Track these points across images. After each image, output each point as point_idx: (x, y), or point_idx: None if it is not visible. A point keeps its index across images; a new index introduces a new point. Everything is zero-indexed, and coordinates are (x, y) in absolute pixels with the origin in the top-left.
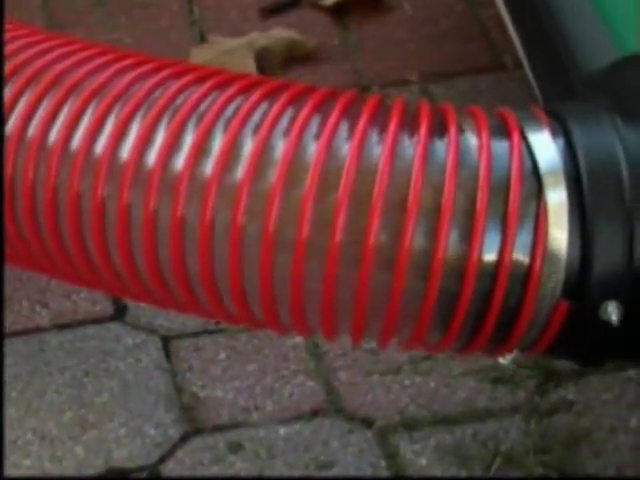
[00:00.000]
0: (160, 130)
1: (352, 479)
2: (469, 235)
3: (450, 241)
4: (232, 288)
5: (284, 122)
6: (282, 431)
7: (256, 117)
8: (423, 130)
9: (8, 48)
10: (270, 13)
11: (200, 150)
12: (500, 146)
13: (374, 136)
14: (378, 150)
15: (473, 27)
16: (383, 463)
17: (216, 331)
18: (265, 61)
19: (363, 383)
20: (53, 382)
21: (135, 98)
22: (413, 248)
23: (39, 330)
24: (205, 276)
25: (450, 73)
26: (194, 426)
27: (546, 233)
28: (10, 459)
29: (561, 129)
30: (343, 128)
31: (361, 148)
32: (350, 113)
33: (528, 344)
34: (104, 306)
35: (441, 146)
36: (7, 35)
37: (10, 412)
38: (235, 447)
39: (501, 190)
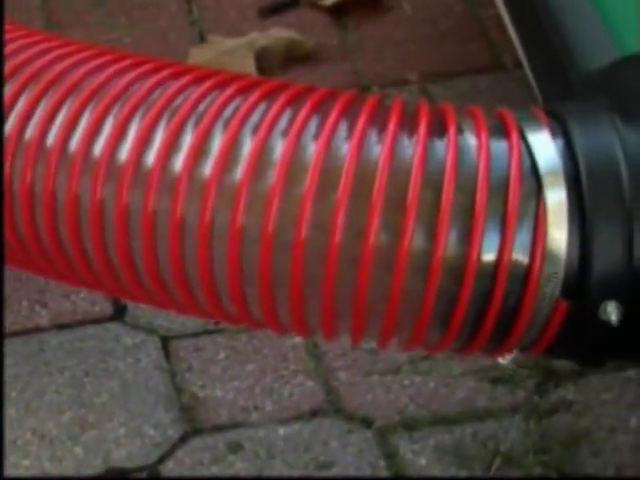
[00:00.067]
0: (159, 131)
1: (352, 479)
2: (468, 235)
3: (449, 241)
4: (231, 288)
5: (283, 122)
6: (281, 431)
7: (255, 117)
8: (422, 130)
9: (7, 49)
10: (269, 13)
11: (199, 150)
12: (499, 146)
13: (373, 136)
14: (377, 150)
15: (472, 27)
16: (382, 463)
17: (215, 331)
18: (264, 61)
19: (362, 383)
20: (52, 382)
21: (134, 99)
22: (412, 248)
23: (38, 330)
24: (204, 276)
25: (449, 73)
26: (193, 426)
27: (545, 233)
28: (10, 459)
29: (560, 129)
30: (342, 128)
31: (360, 148)
32: (349, 113)
33: (527, 344)
34: (103, 306)
35: (440, 146)
36: (6, 36)
37: (10, 412)
38: (235, 447)
39: (500, 190)
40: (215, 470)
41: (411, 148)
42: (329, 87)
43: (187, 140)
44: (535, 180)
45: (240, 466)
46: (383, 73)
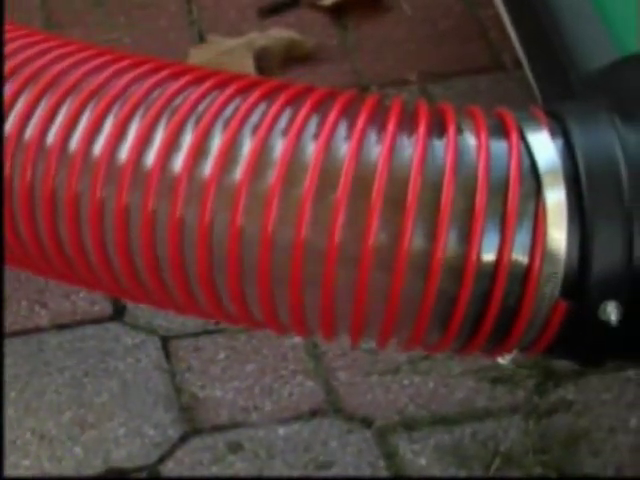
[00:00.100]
0: (159, 130)
1: (351, 479)
2: (468, 235)
3: (449, 241)
4: (231, 289)
5: (283, 122)
6: (281, 431)
7: (255, 117)
8: (422, 130)
9: (7, 48)
10: (269, 13)
11: (199, 150)
12: (499, 146)
13: (373, 136)
14: (377, 150)
15: (472, 27)
16: (382, 463)
17: (215, 331)
18: (264, 61)
19: (362, 383)
20: (52, 382)
21: (134, 98)
22: (412, 248)
23: (38, 330)
24: (204, 276)
25: (449, 73)
26: (193, 426)
27: (545, 233)
28: (9, 459)
29: (560, 129)
30: (342, 128)
31: (360, 148)
32: (349, 113)
33: (527, 344)
34: (103, 306)
35: (440, 146)
36: (6, 35)
37: (9, 412)
38: (234, 447)
39: (500, 190)
40: (215, 470)
41: (411, 148)
42: (329, 87)
43: (187, 140)
44: (535, 180)
45: (240, 466)
46: (383, 73)
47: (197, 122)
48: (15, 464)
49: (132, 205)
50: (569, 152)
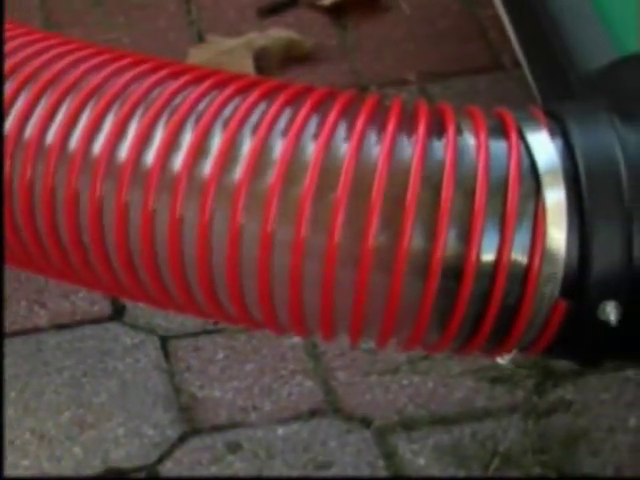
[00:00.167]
0: (158, 130)
1: (350, 479)
2: (467, 235)
3: (448, 241)
4: (230, 288)
5: (282, 122)
6: (280, 431)
7: (254, 117)
8: (421, 130)
9: (6, 47)
10: (268, 13)
11: (199, 150)
12: (498, 146)
13: (372, 136)
14: (376, 150)
15: (471, 27)
16: (381, 463)
17: (215, 331)
18: (263, 61)
19: (361, 383)
20: (51, 382)
21: (133, 97)
22: (411, 248)
23: (37, 330)
24: (203, 276)
25: (448, 73)
26: (192, 426)
27: (544, 233)
28: (8, 459)
29: (559, 129)
30: (341, 128)
31: (359, 148)
32: (348, 113)
33: (527, 344)
34: (102, 306)
35: (439, 146)
36: (5, 34)
37: (8, 412)
38: (233, 447)
39: (499, 190)
40: (214, 470)
41: (410, 148)
42: (328, 87)
43: (187, 139)
44: (534, 180)
45: (239, 466)
46: (382, 73)
47: (197, 121)
48: (14, 464)
49: (132, 204)
50: (569, 152)
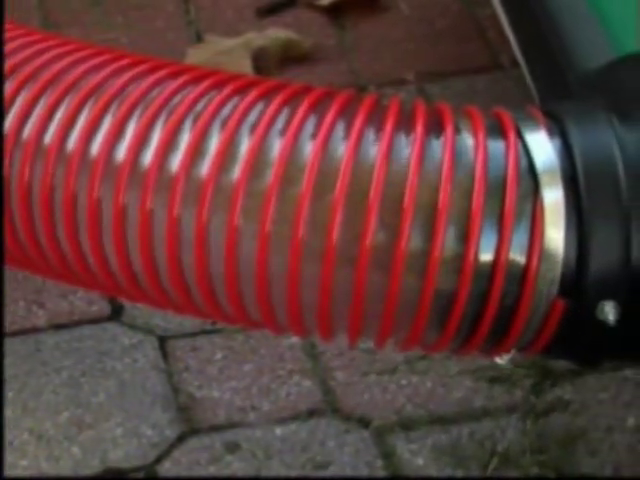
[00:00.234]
0: (156, 130)
1: (349, 479)
2: (466, 235)
3: (446, 241)
4: (229, 288)
5: (280, 122)
6: (279, 431)
7: (252, 117)
8: (419, 130)
9: (6, 47)
10: (266, 13)
11: (196, 150)
12: (496, 146)
13: (370, 136)
14: (374, 150)
15: (469, 27)
16: (380, 463)
17: (213, 331)
18: (261, 61)
19: (360, 383)
20: (50, 382)
21: (131, 98)
22: (410, 248)
23: (36, 330)
24: (201, 276)
25: (446, 73)
26: (191, 426)
27: (543, 232)
28: (7, 459)
29: (558, 129)
30: (339, 128)
31: (357, 148)
32: (346, 113)
33: (525, 344)
34: (101, 306)
35: (437, 146)
36: (5, 35)
37: (7, 412)
38: (232, 447)
39: (497, 190)
40: (212, 470)
41: (408, 148)
42: (326, 87)
43: (184, 139)
44: (532, 180)
45: (237, 466)
46: (380, 73)
47: (195, 121)
48: (13, 464)
49: (129, 204)
50: (567, 152)
